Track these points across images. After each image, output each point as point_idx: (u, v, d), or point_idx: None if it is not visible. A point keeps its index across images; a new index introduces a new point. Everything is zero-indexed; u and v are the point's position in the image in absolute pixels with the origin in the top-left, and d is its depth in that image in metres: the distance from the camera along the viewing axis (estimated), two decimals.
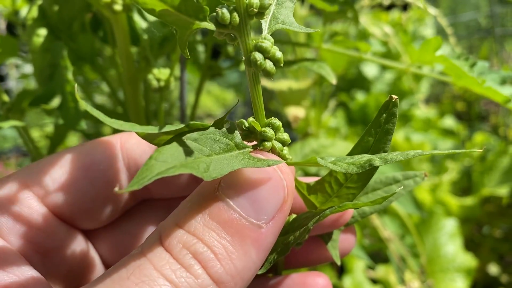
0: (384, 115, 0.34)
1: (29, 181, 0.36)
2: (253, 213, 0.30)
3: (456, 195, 1.60)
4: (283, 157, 0.34)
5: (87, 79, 0.72)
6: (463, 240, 1.37)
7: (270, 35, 0.32)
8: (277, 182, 0.31)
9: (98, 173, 0.38)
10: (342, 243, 0.44)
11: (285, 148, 0.35)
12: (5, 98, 0.57)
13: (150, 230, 0.42)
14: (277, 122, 0.34)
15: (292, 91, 0.79)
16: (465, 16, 2.83)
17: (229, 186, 0.30)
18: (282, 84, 0.80)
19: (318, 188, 0.38)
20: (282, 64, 0.32)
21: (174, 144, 0.29)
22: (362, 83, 2.08)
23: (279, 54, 0.31)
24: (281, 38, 0.87)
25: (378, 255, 1.40)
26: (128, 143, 0.40)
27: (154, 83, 0.53)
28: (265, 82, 0.85)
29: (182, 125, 0.30)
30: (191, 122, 0.31)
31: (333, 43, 0.64)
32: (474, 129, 2.19)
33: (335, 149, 0.75)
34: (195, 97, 0.64)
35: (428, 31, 1.97)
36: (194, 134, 0.30)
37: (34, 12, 0.59)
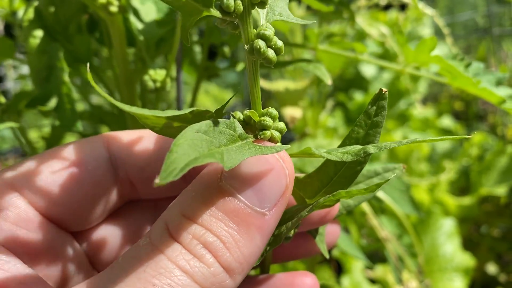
0: (374, 107, 0.34)
1: (15, 181, 0.36)
2: (258, 202, 0.31)
3: (454, 194, 1.61)
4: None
5: (84, 80, 0.72)
6: (461, 239, 1.37)
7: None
8: (280, 170, 0.32)
9: (85, 173, 0.38)
10: (328, 235, 0.46)
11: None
12: (1, 99, 0.57)
13: (137, 230, 0.42)
14: (273, 111, 0.35)
15: (289, 92, 0.79)
16: (462, 15, 2.83)
17: (232, 176, 0.31)
18: (279, 85, 0.80)
19: (308, 182, 0.39)
20: (282, 53, 0.32)
21: (188, 136, 0.29)
22: (360, 83, 2.08)
23: (280, 43, 0.32)
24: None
25: (376, 255, 1.40)
26: (115, 143, 0.40)
27: (150, 84, 0.53)
28: (262, 83, 0.85)
29: (188, 110, 0.31)
30: (195, 109, 0.31)
31: (329, 44, 0.64)
32: (472, 129, 2.19)
33: None
34: (192, 98, 0.64)
35: (426, 31, 1.97)
36: (203, 127, 0.30)
37: (30, 14, 0.59)
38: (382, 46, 0.73)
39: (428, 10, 0.83)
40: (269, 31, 0.31)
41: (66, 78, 0.52)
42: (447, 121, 2.13)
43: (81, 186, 0.38)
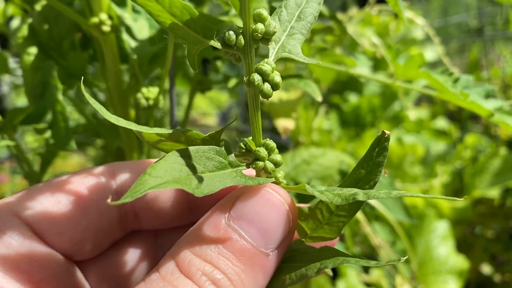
0: (377, 149, 0.35)
1: (20, 209, 0.36)
2: (263, 243, 0.33)
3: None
4: (277, 180, 0.36)
5: (78, 93, 0.72)
6: (455, 242, 1.38)
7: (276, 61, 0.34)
8: (284, 214, 0.34)
9: (91, 203, 0.38)
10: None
11: (281, 172, 0.37)
12: None
13: (139, 261, 0.43)
14: (271, 143, 0.35)
15: (282, 102, 0.80)
16: (456, 16, 2.84)
17: (239, 217, 0.33)
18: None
19: (310, 214, 0.39)
20: (279, 88, 0.33)
21: (169, 160, 0.30)
22: (354, 85, 2.09)
23: (277, 78, 0.33)
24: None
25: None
26: (121, 174, 0.41)
27: (143, 102, 0.53)
28: None
29: (178, 129, 0.32)
30: (188, 130, 0.32)
31: (321, 57, 0.64)
32: (466, 130, 2.20)
33: (325, 159, 0.76)
34: (185, 113, 0.65)
35: (418, 33, 1.98)
36: (189, 152, 0.32)
37: (25, 31, 0.60)
38: (373, 56, 0.73)
39: (420, 20, 0.83)
40: (267, 67, 0.32)
41: (60, 96, 0.53)
42: (441, 122, 2.14)
43: (86, 217, 0.38)
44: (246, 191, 0.34)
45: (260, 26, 0.32)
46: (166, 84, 0.64)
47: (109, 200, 0.26)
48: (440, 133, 2.06)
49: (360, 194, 0.32)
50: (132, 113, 0.61)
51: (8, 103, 2.10)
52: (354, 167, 0.36)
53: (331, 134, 1.77)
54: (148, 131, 0.32)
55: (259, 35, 0.32)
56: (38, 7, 0.59)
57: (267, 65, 0.32)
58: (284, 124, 0.79)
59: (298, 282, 0.37)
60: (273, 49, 0.34)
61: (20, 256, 0.35)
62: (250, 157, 0.36)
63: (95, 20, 0.51)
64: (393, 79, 0.60)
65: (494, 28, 2.24)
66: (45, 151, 0.61)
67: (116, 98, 0.57)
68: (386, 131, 0.35)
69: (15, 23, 1.04)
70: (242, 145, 0.36)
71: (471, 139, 1.75)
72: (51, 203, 0.37)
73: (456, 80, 0.53)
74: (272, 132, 2.08)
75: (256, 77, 0.32)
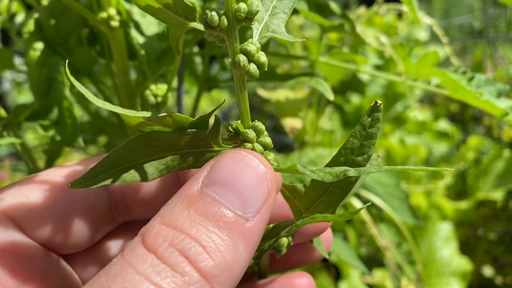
0: (369, 119, 0.35)
1: (3, 203, 0.35)
2: (240, 205, 0.30)
3: (451, 198, 1.61)
4: None
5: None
6: (458, 243, 1.37)
7: (264, 43, 0.33)
8: (260, 175, 0.31)
9: (78, 195, 0.37)
10: (322, 240, 0.45)
11: (271, 154, 0.36)
12: (2, 113, 0.57)
13: None
14: (260, 125, 0.35)
15: (289, 101, 0.79)
16: (458, 18, 2.84)
17: (212, 182, 0.30)
18: (279, 94, 0.80)
19: (305, 192, 0.39)
20: (266, 68, 0.33)
21: (142, 139, 0.31)
22: (357, 85, 2.09)
23: (263, 58, 0.32)
24: (278, 51, 0.87)
25: (373, 260, 1.40)
26: None
27: (151, 99, 0.53)
28: (262, 92, 0.85)
29: (165, 114, 0.31)
30: (174, 114, 0.31)
31: (330, 55, 0.64)
32: (468, 131, 2.20)
33: None
34: (192, 110, 0.64)
35: (422, 34, 1.97)
36: (174, 135, 0.32)
37: (31, 26, 0.59)
38: (381, 55, 0.73)
39: (427, 19, 0.83)
40: (252, 47, 0.32)
41: (67, 92, 0.52)
42: (443, 124, 2.13)
43: (73, 209, 0.37)
44: (219, 158, 0.32)
45: (242, 5, 0.31)
46: (174, 82, 0.64)
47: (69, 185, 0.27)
48: (442, 135, 2.05)
49: (351, 171, 0.31)
50: (139, 110, 0.61)
51: (9, 100, 2.09)
52: (347, 138, 0.36)
53: (333, 135, 1.77)
54: (134, 114, 0.31)
55: (242, 14, 0.31)
56: (44, 1, 0.58)
57: (252, 45, 0.32)
58: (291, 123, 0.78)
59: (259, 258, 0.37)
60: (256, 30, 0.33)
61: (2, 252, 0.33)
62: (239, 141, 0.35)
63: (103, 15, 0.51)
64: (404, 77, 0.59)
65: (496, 29, 2.24)
66: (50, 148, 0.60)
67: (124, 95, 0.56)
68: (378, 101, 0.34)
69: (19, 18, 1.03)
70: (231, 129, 0.35)
71: (474, 141, 1.74)
72: (36, 196, 0.36)
73: (471, 79, 0.52)
74: (274, 131, 2.07)
75: (242, 58, 0.31)
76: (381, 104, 0.34)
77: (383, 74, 0.60)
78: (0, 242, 0.34)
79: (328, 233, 0.47)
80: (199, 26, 0.31)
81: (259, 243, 0.31)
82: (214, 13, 0.31)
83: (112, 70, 0.61)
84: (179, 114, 0.31)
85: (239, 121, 0.35)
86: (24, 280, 0.34)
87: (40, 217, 0.35)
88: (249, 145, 0.34)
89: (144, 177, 0.33)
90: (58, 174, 0.38)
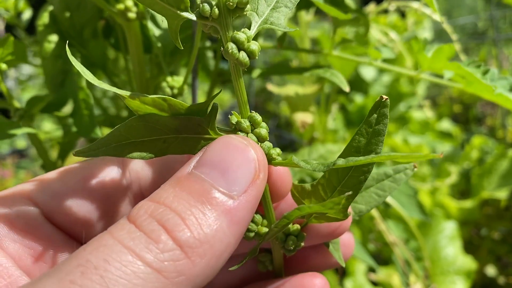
0: (375, 115, 0.34)
1: (29, 191, 0.37)
2: (225, 183, 0.30)
3: (455, 197, 1.61)
4: (269, 156, 0.35)
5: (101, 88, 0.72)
6: (462, 242, 1.37)
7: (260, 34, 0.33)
8: (247, 154, 0.32)
9: (97, 185, 0.38)
10: (342, 247, 0.45)
11: (277, 149, 0.36)
12: (17, 104, 0.57)
13: None
14: (256, 116, 0.35)
15: (299, 96, 0.79)
16: (460, 19, 2.84)
17: (201, 164, 0.31)
18: (289, 89, 0.80)
19: (312, 191, 0.38)
20: (256, 57, 0.33)
21: (141, 120, 0.32)
22: (360, 85, 2.09)
23: (254, 47, 0.33)
24: (291, 46, 0.87)
25: (378, 257, 1.40)
26: (132, 162, 0.41)
27: (168, 90, 0.53)
28: (271, 87, 0.85)
29: (158, 96, 0.32)
30: (168, 98, 0.32)
31: (342, 49, 0.64)
32: (471, 132, 2.20)
33: None
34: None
35: (426, 34, 1.98)
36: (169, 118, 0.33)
37: (45, 18, 0.59)
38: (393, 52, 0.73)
39: (436, 17, 0.83)
40: (241, 35, 0.32)
41: (83, 83, 0.52)
42: (446, 124, 2.14)
43: (92, 198, 0.38)
44: (211, 142, 0.33)
45: None
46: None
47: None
48: (445, 135, 2.05)
49: (340, 160, 0.31)
50: None
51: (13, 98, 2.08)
52: (353, 135, 0.35)
53: (337, 134, 1.77)
54: (126, 94, 0.31)
55: (231, 4, 0.32)
56: None
57: (242, 33, 0.32)
58: (302, 118, 0.78)
59: (268, 239, 0.37)
60: (256, 22, 0.34)
61: (25, 233, 0.35)
62: (236, 130, 0.35)
63: (120, 6, 0.51)
64: (417, 71, 0.59)
65: (497, 30, 2.25)
66: (64, 140, 0.60)
67: (138, 88, 0.56)
68: (384, 96, 0.33)
69: (26, 15, 1.04)
70: (233, 121, 0.35)
71: (477, 140, 1.74)
72: (58, 185, 0.37)
73: (485, 72, 0.52)
74: (278, 128, 2.08)
75: (231, 46, 0.32)
76: (387, 99, 0.33)
77: (396, 68, 0.60)
78: (23, 224, 0.35)
79: (349, 237, 0.46)
80: (192, 17, 0.32)
81: (247, 224, 0.32)
82: (205, 4, 0.32)
83: (127, 63, 0.61)
84: (174, 99, 0.32)
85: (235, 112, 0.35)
86: (42, 259, 0.36)
87: (60, 203, 0.37)
88: (242, 134, 0.34)
89: (142, 155, 0.34)
90: (79, 166, 0.39)
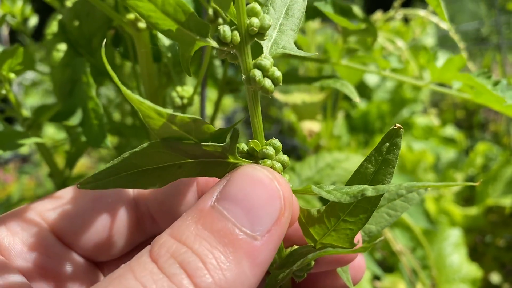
0: (387, 144, 0.32)
1: (41, 210, 0.38)
2: (248, 223, 0.29)
3: (459, 204, 1.61)
4: None
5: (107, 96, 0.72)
6: (467, 249, 1.37)
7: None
8: (273, 191, 0.30)
9: (105, 205, 0.39)
10: (351, 269, 0.42)
11: (286, 175, 0.34)
12: (25, 113, 0.57)
13: None
14: (277, 143, 0.34)
15: (306, 105, 0.79)
16: (463, 25, 2.84)
17: (224, 197, 0.30)
18: (295, 98, 0.80)
19: (318, 219, 0.36)
20: (280, 83, 0.32)
21: (158, 147, 0.31)
22: (363, 91, 2.09)
23: (278, 73, 0.31)
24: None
25: (382, 264, 1.40)
26: None
27: (178, 100, 0.53)
28: (277, 95, 0.85)
29: (188, 115, 0.30)
30: (197, 118, 0.30)
31: (350, 59, 0.64)
32: (474, 138, 2.20)
33: (349, 163, 0.75)
34: (214, 111, 0.64)
35: (429, 40, 1.98)
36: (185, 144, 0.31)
37: (54, 27, 0.59)
38: (400, 61, 0.73)
39: (444, 25, 0.83)
40: (266, 61, 0.31)
41: (93, 93, 0.52)
42: (449, 130, 2.13)
43: (100, 218, 0.39)
44: (234, 172, 0.31)
45: (255, 20, 0.30)
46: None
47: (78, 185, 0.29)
48: (448, 141, 2.05)
49: (369, 190, 0.28)
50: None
51: None
52: (362, 162, 0.33)
53: (340, 140, 1.77)
54: (164, 110, 0.28)
55: (255, 29, 0.30)
56: (68, 3, 0.58)
57: (266, 59, 0.31)
58: (309, 126, 0.78)
59: (283, 281, 0.35)
60: (266, 46, 0.33)
61: (37, 252, 0.36)
62: (255, 159, 0.34)
63: (131, 16, 0.51)
64: (426, 81, 0.59)
65: (501, 36, 2.24)
66: (72, 149, 0.60)
67: (148, 97, 0.56)
68: (398, 125, 0.31)
69: (32, 22, 1.04)
70: (244, 150, 0.34)
71: (482, 147, 1.74)
72: (69, 205, 0.38)
73: (496, 83, 0.52)
74: (280, 135, 2.08)
75: (257, 73, 0.30)
76: (401, 128, 0.32)
77: (405, 77, 0.60)
78: (35, 243, 0.36)
79: (359, 259, 0.43)
80: (213, 43, 0.31)
81: (269, 264, 0.30)
82: (226, 28, 0.30)
83: (136, 73, 0.61)
84: (202, 119, 0.30)
85: (253, 140, 0.34)
86: (54, 279, 0.36)
87: (70, 223, 0.38)
88: (268, 162, 0.33)
89: (154, 183, 0.32)
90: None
